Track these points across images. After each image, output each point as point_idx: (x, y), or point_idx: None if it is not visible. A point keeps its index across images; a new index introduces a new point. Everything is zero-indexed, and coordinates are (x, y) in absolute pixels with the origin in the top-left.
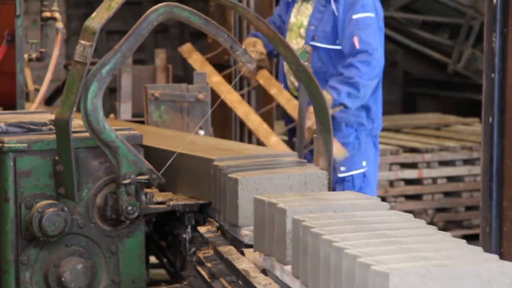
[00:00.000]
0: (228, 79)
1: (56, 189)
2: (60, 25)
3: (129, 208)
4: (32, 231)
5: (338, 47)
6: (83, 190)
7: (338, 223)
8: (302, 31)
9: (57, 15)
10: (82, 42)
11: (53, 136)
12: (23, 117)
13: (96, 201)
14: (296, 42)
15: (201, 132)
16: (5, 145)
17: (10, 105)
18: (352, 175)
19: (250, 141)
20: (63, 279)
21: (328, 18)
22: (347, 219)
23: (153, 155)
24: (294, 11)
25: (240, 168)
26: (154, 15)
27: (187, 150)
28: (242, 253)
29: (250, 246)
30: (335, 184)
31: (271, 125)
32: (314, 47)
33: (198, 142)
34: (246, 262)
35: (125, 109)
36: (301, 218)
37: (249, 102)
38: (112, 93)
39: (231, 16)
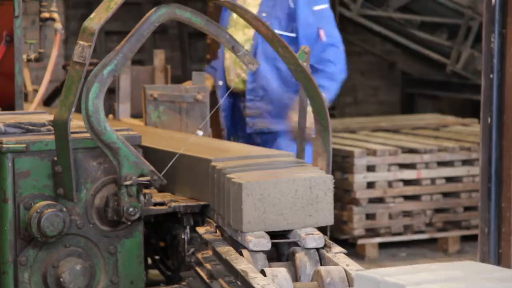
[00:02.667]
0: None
1: (54, 189)
2: (58, 25)
3: (131, 209)
4: (30, 231)
5: (292, 35)
6: (82, 190)
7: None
8: None
9: (55, 15)
10: (81, 42)
11: (52, 137)
12: (22, 117)
13: (94, 201)
14: (243, 33)
15: (200, 133)
16: (4, 145)
17: (9, 106)
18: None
19: None
20: (61, 279)
21: (282, 4)
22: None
23: (152, 155)
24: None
25: (239, 169)
26: (155, 15)
27: (185, 150)
28: (241, 254)
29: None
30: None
31: None
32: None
33: (197, 143)
34: (245, 262)
35: (124, 109)
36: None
37: None
38: (110, 93)
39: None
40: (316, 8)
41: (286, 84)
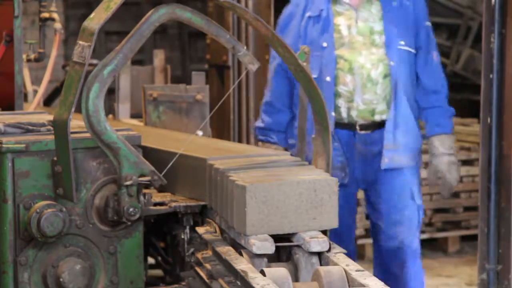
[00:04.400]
0: (228, 80)
1: (54, 189)
2: (58, 25)
3: (131, 209)
4: (30, 231)
5: (413, 51)
6: (82, 190)
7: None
8: (377, 37)
9: (55, 15)
10: (81, 42)
11: (52, 137)
12: (22, 117)
13: (94, 201)
14: (370, 53)
15: (200, 133)
16: (4, 145)
17: (9, 106)
18: (421, 206)
19: (248, 142)
20: (61, 279)
21: (405, 15)
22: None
23: (152, 156)
24: (341, 21)
25: (239, 169)
26: (155, 15)
27: (185, 150)
28: (241, 254)
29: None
30: (407, 209)
31: None
32: (402, 52)
33: (196, 143)
34: (245, 262)
35: (124, 109)
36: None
37: (247, 103)
38: (110, 93)
39: (230, 17)
40: (428, 23)
41: (414, 110)
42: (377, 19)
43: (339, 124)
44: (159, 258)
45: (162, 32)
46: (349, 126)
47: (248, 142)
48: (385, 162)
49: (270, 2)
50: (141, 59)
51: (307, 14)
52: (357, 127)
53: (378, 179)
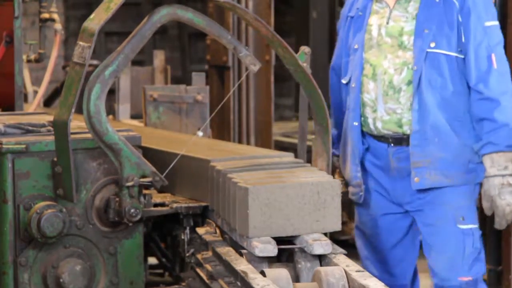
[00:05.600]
0: (228, 81)
1: (54, 190)
2: (58, 26)
3: (132, 210)
4: (30, 232)
5: (461, 56)
6: (82, 191)
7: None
8: (406, 39)
9: (55, 16)
10: (81, 43)
11: (52, 138)
12: (22, 118)
13: (94, 202)
14: (395, 56)
15: (200, 134)
16: (4, 146)
17: (9, 106)
18: (472, 230)
19: (248, 143)
20: (61, 280)
21: (446, 13)
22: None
23: (152, 156)
24: (373, 22)
25: (239, 170)
26: (157, 16)
27: (186, 151)
28: (241, 255)
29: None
30: (449, 236)
31: (269, 126)
32: (432, 55)
33: (197, 144)
34: (245, 263)
35: (124, 110)
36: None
37: (247, 103)
38: (110, 94)
39: (230, 17)
40: (488, 24)
41: (456, 121)
42: (410, 19)
43: (375, 136)
44: (163, 259)
45: (162, 33)
46: (384, 139)
47: (248, 143)
48: (416, 182)
49: (270, 2)
50: (141, 59)
51: (350, 14)
52: (390, 141)
53: (415, 202)
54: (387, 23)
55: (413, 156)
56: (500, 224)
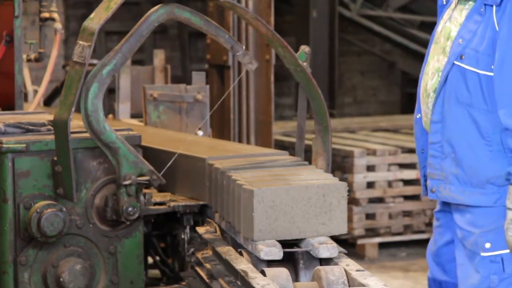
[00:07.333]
0: (228, 80)
1: (54, 189)
2: (58, 25)
3: (130, 209)
4: (30, 231)
5: (490, 74)
6: (82, 190)
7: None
8: (449, 44)
9: (55, 15)
10: (81, 42)
11: (52, 137)
12: (22, 117)
13: (94, 201)
14: (437, 60)
15: (200, 133)
16: (4, 145)
17: (9, 106)
18: (501, 256)
19: (248, 142)
20: (61, 279)
21: (484, 32)
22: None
23: (152, 155)
24: (445, 16)
25: (239, 168)
26: (154, 15)
27: (185, 150)
28: (241, 254)
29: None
30: (476, 265)
31: (268, 125)
32: (460, 69)
33: (197, 143)
34: (245, 262)
35: (124, 109)
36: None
37: (247, 102)
38: (110, 93)
39: (230, 17)
40: None
41: (482, 139)
42: (458, 23)
43: None
44: (160, 258)
45: (162, 32)
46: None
47: (248, 142)
48: (431, 193)
49: (270, 2)
50: (141, 59)
51: (442, 2)
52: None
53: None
54: (447, 21)
55: (429, 166)
56: None
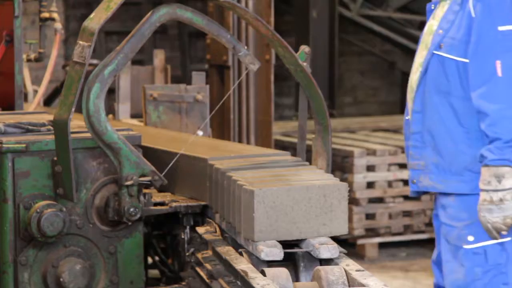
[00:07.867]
0: (228, 80)
1: (54, 189)
2: (58, 25)
3: (131, 209)
4: (30, 231)
5: (466, 60)
6: (82, 190)
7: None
8: (430, 38)
9: (55, 15)
10: (81, 42)
11: (52, 137)
12: (22, 117)
13: (94, 201)
14: (421, 56)
15: (200, 133)
16: (4, 145)
17: (9, 106)
18: (484, 248)
19: (248, 142)
20: (61, 279)
21: (461, 21)
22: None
23: (152, 156)
24: (430, 17)
25: (239, 169)
26: (156, 15)
27: (185, 150)
28: (241, 254)
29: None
30: (460, 259)
31: (268, 125)
32: (439, 58)
33: (197, 143)
34: (245, 262)
35: (124, 109)
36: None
37: (247, 103)
38: (110, 93)
39: (230, 17)
40: (502, 28)
41: (460, 127)
42: (439, 18)
43: None
44: (160, 258)
45: (162, 32)
46: None
47: (248, 142)
48: (412, 184)
49: (270, 2)
50: (141, 59)
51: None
52: None
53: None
54: (431, 19)
55: (411, 157)
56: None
